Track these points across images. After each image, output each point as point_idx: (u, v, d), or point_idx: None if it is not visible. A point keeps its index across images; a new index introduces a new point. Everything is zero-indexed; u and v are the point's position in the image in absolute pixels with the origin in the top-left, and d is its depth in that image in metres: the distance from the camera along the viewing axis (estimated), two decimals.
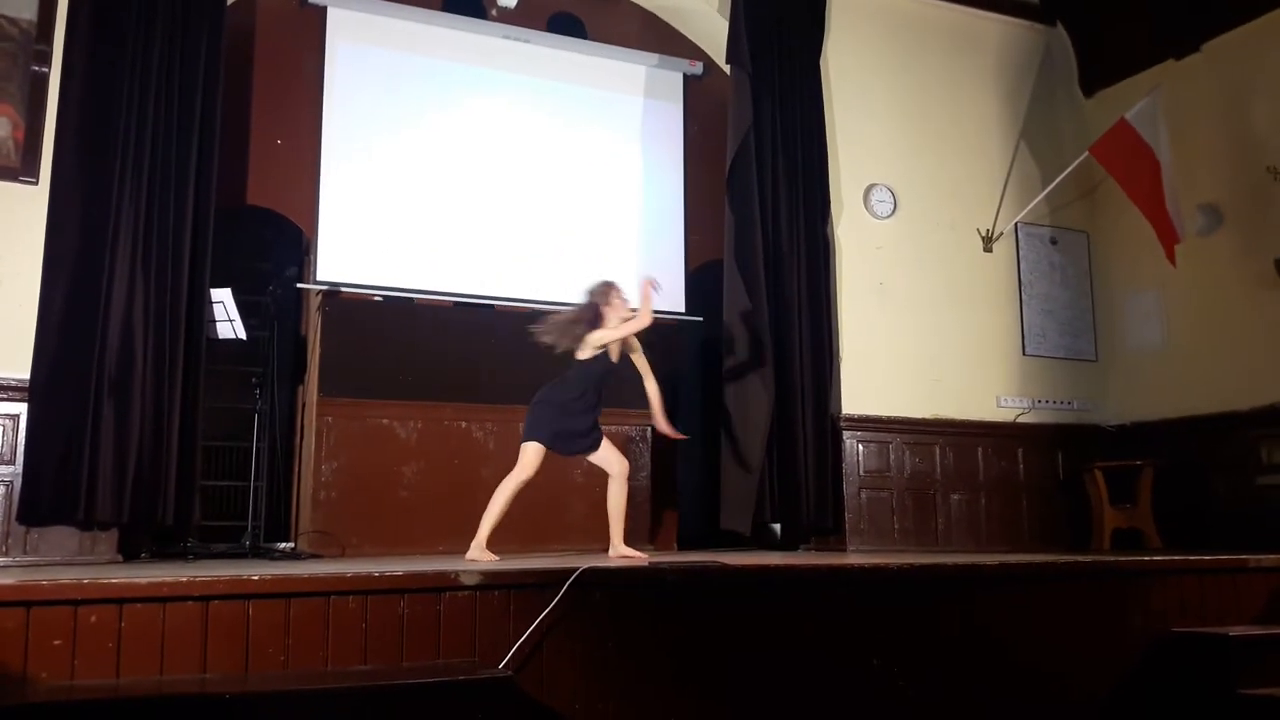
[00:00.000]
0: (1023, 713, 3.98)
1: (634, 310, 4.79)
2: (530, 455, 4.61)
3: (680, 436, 5.10)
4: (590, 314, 4.69)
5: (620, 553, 4.69)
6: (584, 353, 4.68)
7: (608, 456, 4.76)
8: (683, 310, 6.53)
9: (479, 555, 4.48)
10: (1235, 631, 4.19)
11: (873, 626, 3.79)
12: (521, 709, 3.00)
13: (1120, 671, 4.18)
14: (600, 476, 6.02)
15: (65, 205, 4.64)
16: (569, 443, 4.70)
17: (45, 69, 4.86)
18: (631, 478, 6.12)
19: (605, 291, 4.74)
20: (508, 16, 6.37)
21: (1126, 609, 4.27)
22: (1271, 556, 4.65)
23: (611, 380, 4.79)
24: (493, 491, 4.62)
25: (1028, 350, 6.85)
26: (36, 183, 4.73)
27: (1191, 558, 4.60)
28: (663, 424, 4.93)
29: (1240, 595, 4.51)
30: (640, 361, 4.90)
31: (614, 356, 4.75)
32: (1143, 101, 6.29)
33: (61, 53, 4.80)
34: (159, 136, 4.86)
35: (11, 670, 2.70)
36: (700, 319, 6.58)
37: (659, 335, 6.40)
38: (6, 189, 4.72)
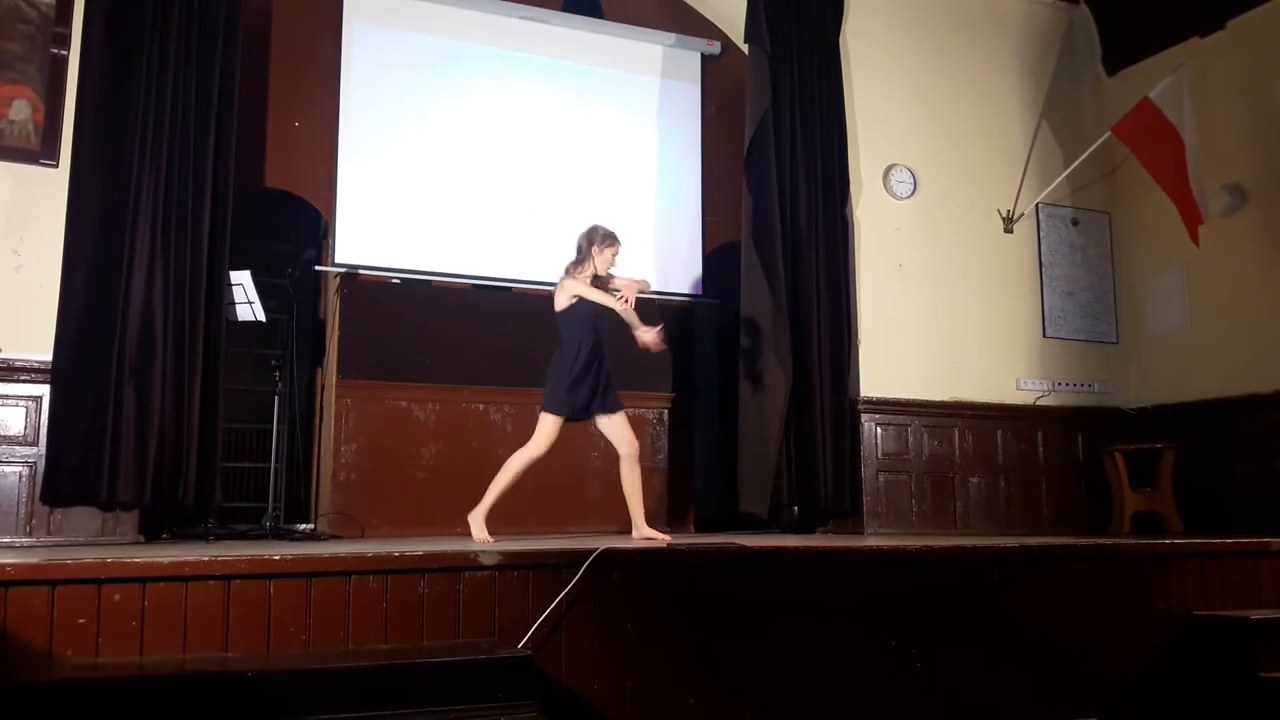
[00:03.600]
0: (1042, 696, 3.98)
1: (618, 279, 4.73)
2: (548, 428, 4.54)
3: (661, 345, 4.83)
4: (577, 257, 4.68)
5: (643, 534, 4.64)
6: (560, 303, 4.63)
7: (618, 433, 4.65)
8: (700, 292, 6.52)
9: (478, 529, 4.45)
10: (1256, 615, 4.18)
11: (890, 608, 3.80)
12: (540, 688, 3.01)
13: (1141, 655, 4.17)
14: (617, 460, 6.05)
15: (85, 188, 4.65)
16: (584, 406, 4.59)
17: (64, 51, 4.87)
18: (648, 460, 6.18)
19: (590, 234, 4.70)
20: None
21: (1147, 592, 4.26)
22: None
23: (603, 323, 4.68)
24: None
25: (1048, 332, 6.80)
26: (56, 165, 4.75)
27: (1212, 541, 4.58)
28: (644, 335, 4.75)
29: (1262, 579, 4.49)
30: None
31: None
32: (1166, 80, 6.21)
33: (80, 35, 4.80)
34: (177, 119, 4.86)
35: (37, 648, 2.74)
36: (717, 301, 6.56)
37: (676, 317, 6.42)
38: (27, 172, 4.74)
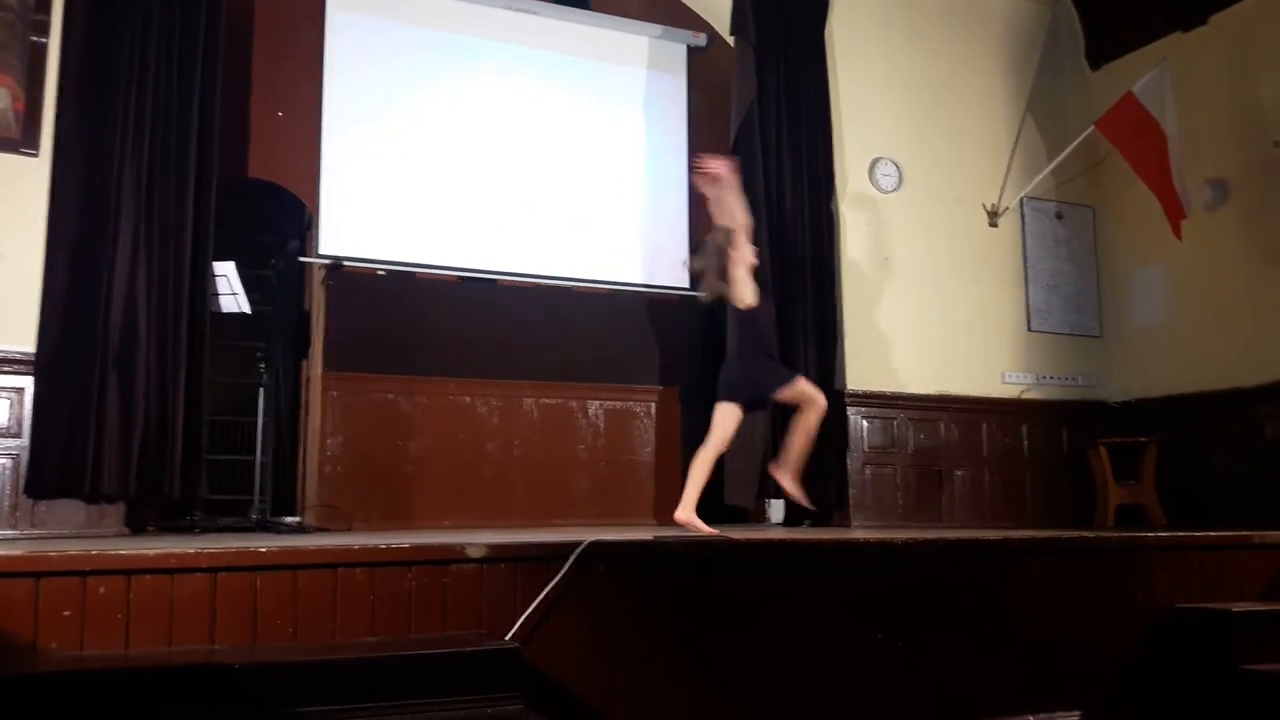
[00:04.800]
0: (1026, 688, 4.00)
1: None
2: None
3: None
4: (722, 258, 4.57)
5: (681, 517, 4.58)
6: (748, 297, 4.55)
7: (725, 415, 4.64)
8: (686, 285, 6.51)
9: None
10: (1238, 607, 4.20)
11: (876, 600, 3.81)
12: (527, 680, 3.01)
13: (1124, 648, 4.20)
14: (604, 453, 6.07)
15: (66, 177, 4.61)
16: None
17: (44, 39, 4.81)
18: (635, 453, 6.20)
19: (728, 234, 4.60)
20: None
21: (1130, 585, 4.28)
22: (1275, 533, 4.67)
23: None
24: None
25: (1032, 326, 6.83)
26: (37, 154, 4.70)
27: (1195, 534, 4.62)
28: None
29: (1244, 572, 4.52)
30: None
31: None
32: (1149, 74, 6.24)
33: (61, 23, 4.76)
34: (159, 108, 4.82)
35: (22, 640, 2.72)
36: (704, 294, 6.54)
37: (662, 311, 6.43)
38: (7, 161, 4.69)
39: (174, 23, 4.91)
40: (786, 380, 4.61)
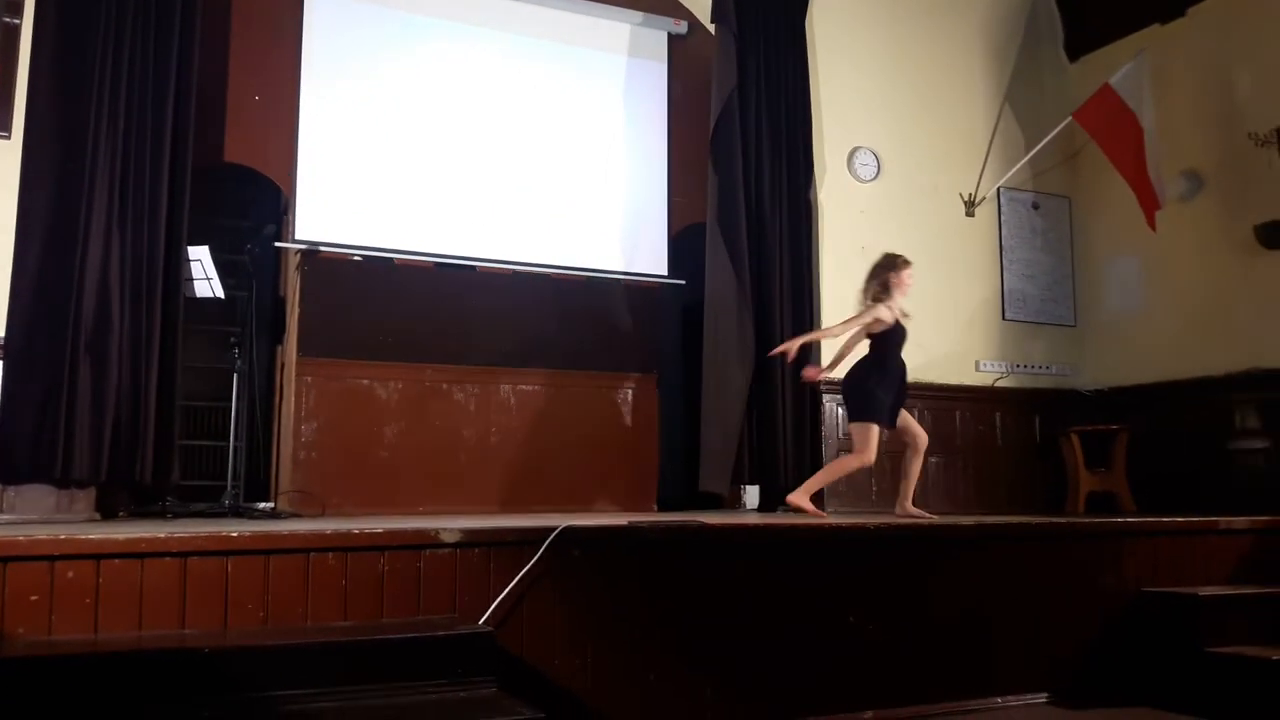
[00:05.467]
0: (994, 670, 4.05)
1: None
2: (876, 437, 4.92)
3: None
4: (881, 288, 5.05)
5: (907, 511, 5.02)
6: (874, 328, 5.04)
7: (914, 426, 5.13)
8: (665, 273, 6.52)
9: (802, 502, 4.96)
10: (1204, 592, 4.27)
11: (849, 585, 3.85)
12: (501, 664, 3.02)
13: (1091, 630, 4.26)
14: (581, 439, 6.06)
15: (39, 160, 4.56)
16: (893, 416, 5.01)
17: (16, 20, 4.76)
18: (612, 440, 6.20)
19: (890, 263, 5.09)
20: None
21: (1099, 569, 4.35)
22: (1241, 518, 4.75)
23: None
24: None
25: (1007, 315, 6.88)
26: (9, 137, 4.65)
27: (1162, 519, 4.69)
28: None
29: (1210, 556, 4.60)
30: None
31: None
32: (1127, 66, 6.28)
33: (34, 2, 4.69)
34: (135, 91, 4.78)
35: None
36: (682, 282, 6.56)
37: (640, 298, 6.43)
38: None
39: (150, 4, 4.85)
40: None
